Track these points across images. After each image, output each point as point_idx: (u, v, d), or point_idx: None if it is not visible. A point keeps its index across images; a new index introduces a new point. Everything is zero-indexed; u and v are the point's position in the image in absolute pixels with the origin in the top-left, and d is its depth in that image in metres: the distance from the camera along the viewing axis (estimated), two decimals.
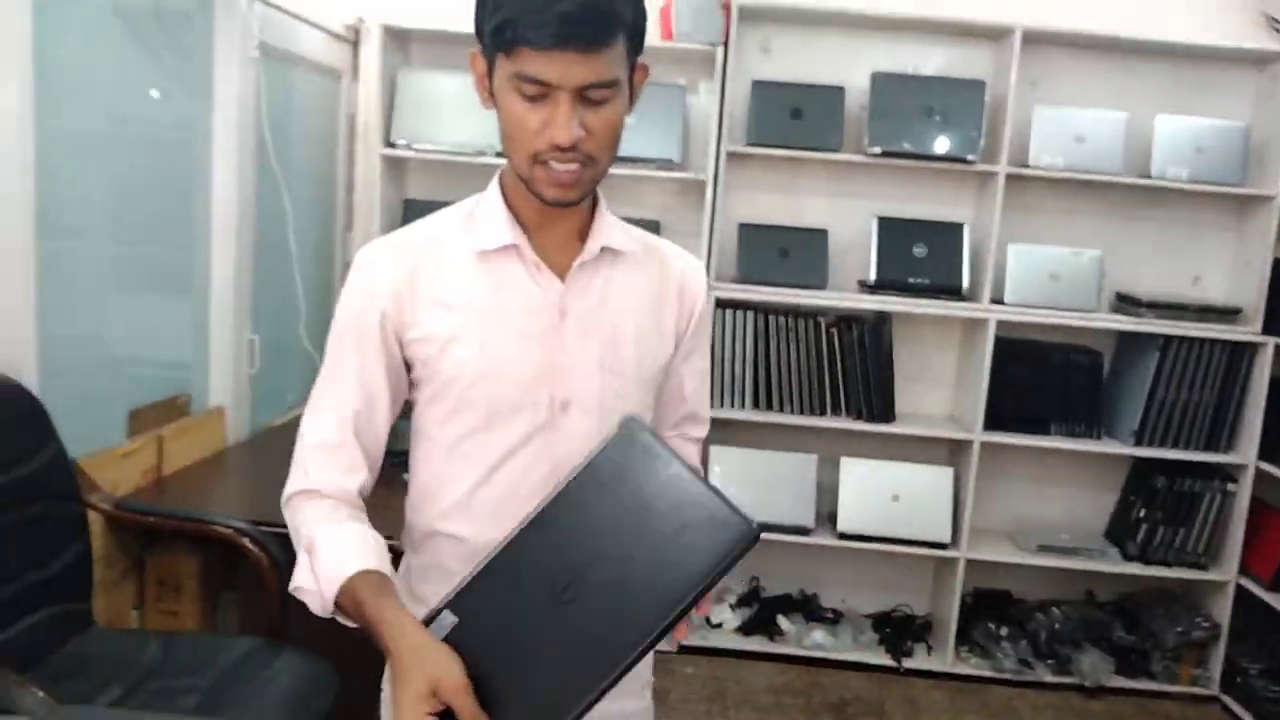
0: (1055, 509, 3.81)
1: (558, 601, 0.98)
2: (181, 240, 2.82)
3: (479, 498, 1.20)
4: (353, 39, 3.63)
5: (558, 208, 1.15)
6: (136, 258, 2.68)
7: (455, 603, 1.01)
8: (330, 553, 1.09)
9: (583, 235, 1.22)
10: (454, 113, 3.46)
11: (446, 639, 0.99)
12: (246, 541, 2.16)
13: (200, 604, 2.54)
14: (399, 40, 3.57)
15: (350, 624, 1.09)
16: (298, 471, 1.19)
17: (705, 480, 1.02)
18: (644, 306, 1.26)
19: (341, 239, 3.77)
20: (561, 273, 1.20)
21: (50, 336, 2.18)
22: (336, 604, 1.07)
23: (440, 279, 1.18)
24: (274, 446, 3.12)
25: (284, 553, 2.18)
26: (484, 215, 1.20)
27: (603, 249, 1.22)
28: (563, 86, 1.05)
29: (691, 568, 0.96)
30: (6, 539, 1.90)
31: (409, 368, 1.21)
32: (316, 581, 1.09)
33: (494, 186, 1.22)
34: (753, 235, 3.51)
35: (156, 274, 2.80)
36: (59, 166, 2.18)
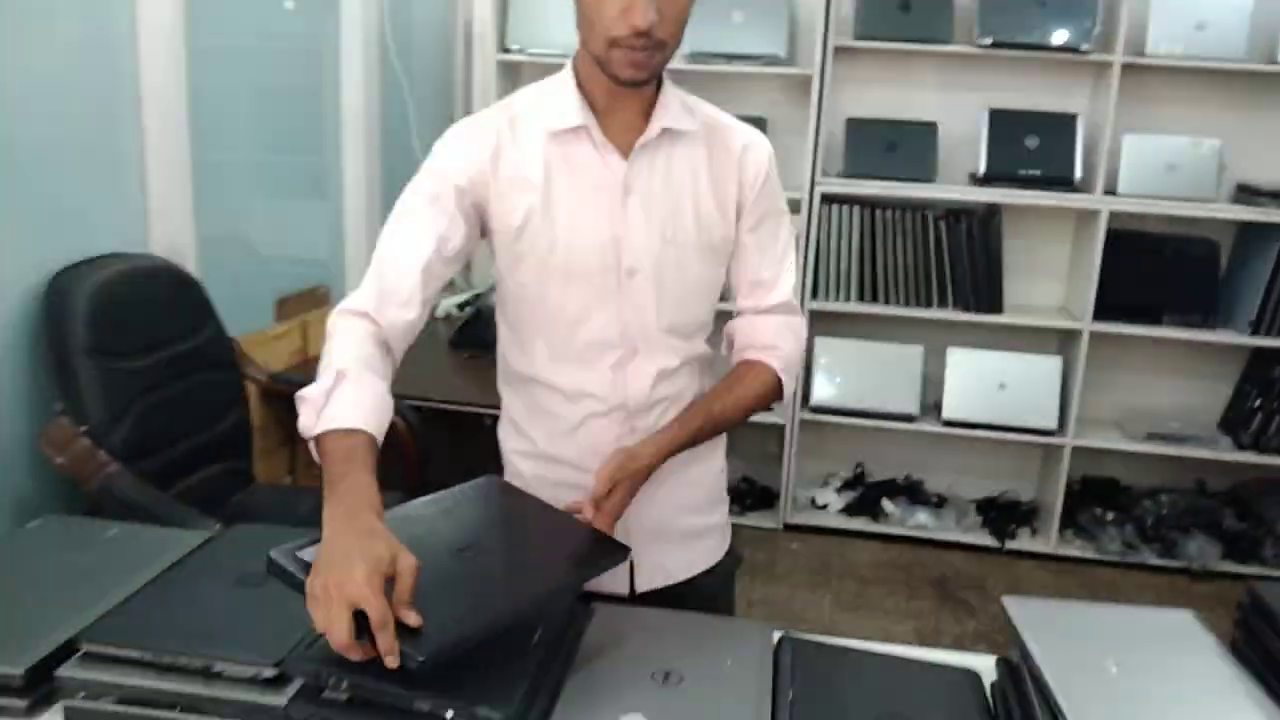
0: (1167, 399, 3.82)
1: (458, 556, 1.14)
2: (317, 145, 3.07)
3: (564, 351, 1.37)
4: None
5: (628, 88, 1.28)
6: (279, 163, 2.95)
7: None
8: (348, 393, 1.18)
9: (648, 116, 1.33)
10: (563, 17, 3.55)
11: None
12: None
13: None
14: None
15: (315, 459, 1.18)
16: (363, 292, 1.29)
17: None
18: (704, 182, 1.37)
19: None
20: (626, 152, 1.32)
21: (206, 233, 2.46)
22: (317, 438, 1.16)
23: (520, 159, 1.32)
24: None
25: (420, 421, 2.45)
26: (558, 98, 1.34)
27: (663, 130, 1.33)
28: None
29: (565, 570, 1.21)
30: (179, 403, 2.20)
31: (485, 234, 1.36)
32: (316, 410, 1.18)
33: (567, 71, 1.36)
34: (860, 130, 3.56)
35: (296, 177, 3.07)
36: (208, 79, 2.42)
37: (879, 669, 1.26)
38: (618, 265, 1.33)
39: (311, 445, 1.20)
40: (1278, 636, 1.16)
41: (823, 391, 3.73)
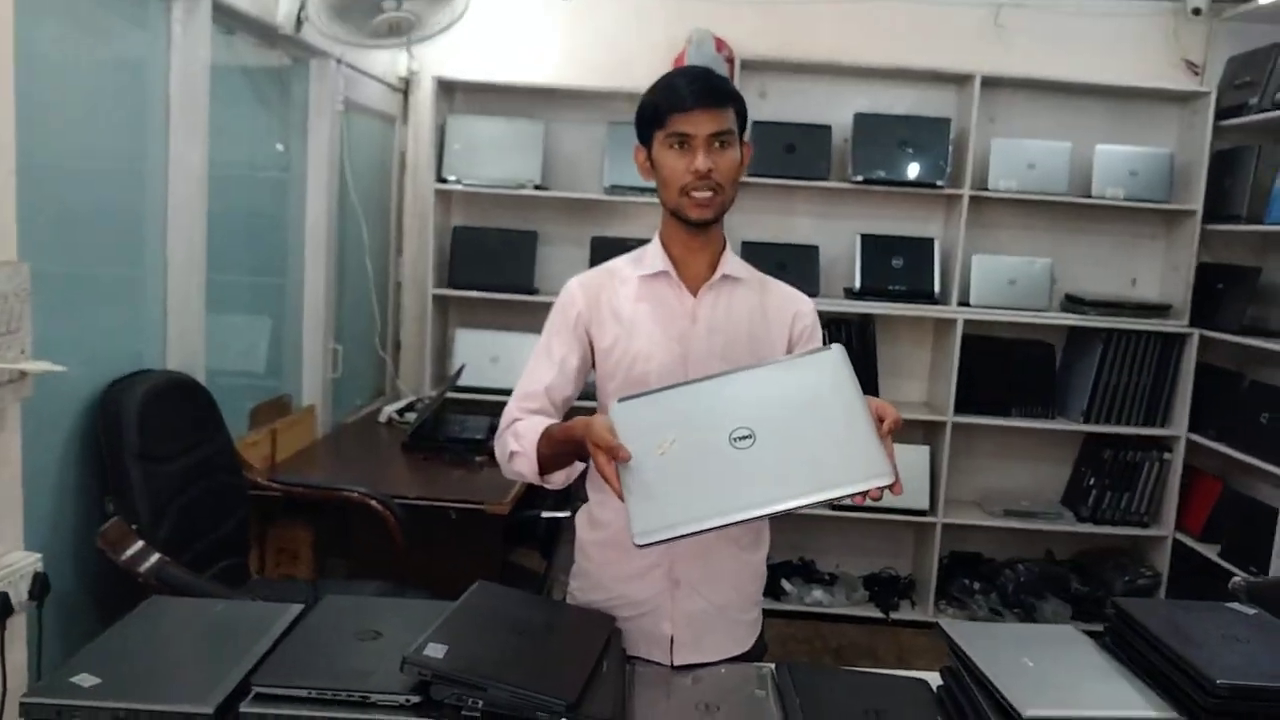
0: (1017, 480, 4.41)
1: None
2: (284, 266, 3.37)
3: None
4: (404, 89, 4.18)
5: (699, 229, 1.68)
6: (255, 284, 3.23)
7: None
8: (529, 425, 1.63)
9: (714, 268, 1.71)
10: (495, 152, 4.03)
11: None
12: (374, 502, 2.70)
13: (312, 568, 3.08)
14: (446, 89, 4.13)
15: (554, 467, 1.61)
16: (504, 419, 1.69)
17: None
18: (759, 321, 1.72)
19: (394, 262, 4.31)
20: (696, 292, 1.70)
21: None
22: (539, 453, 1.58)
23: (616, 297, 1.72)
24: (354, 438, 3.68)
25: (401, 510, 2.73)
26: (646, 252, 1.75)
27: (724, 275, 1.70)
28: (698, 134, 1.60)
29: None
30: (202, 503, 2.44)
31: (593, 355, 1.73)
32: (520, 443, 1.61)
33: (655, 236, 1.76)
34: (755, 250, 4.08)
35: (267, 296, 3.35)
36: (214, 208, 2.71)
37: (854, 682, 1.67)
38: (685, 377, 1.62)
39: (543, 465, 1.62)
40: (1136, 634, 1.60)
41: None
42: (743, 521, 1.31)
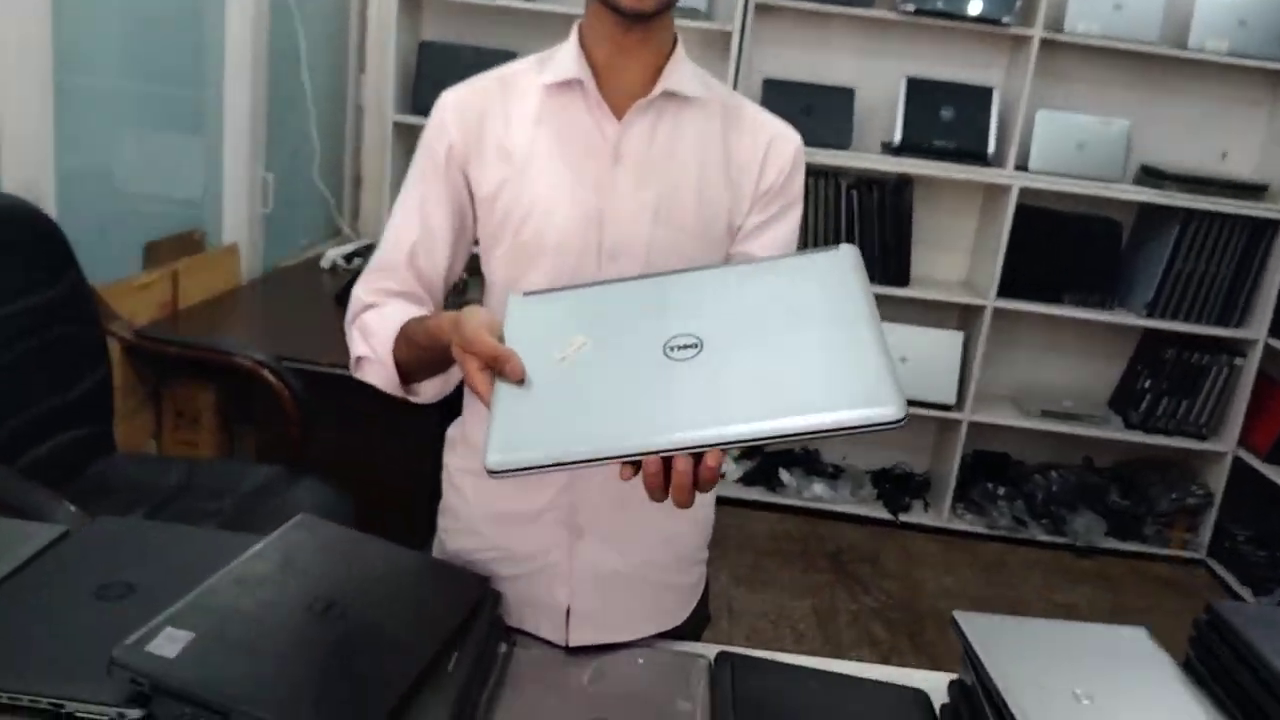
0: (1062, 377, 3.87)
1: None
2: (196, 76, 2.79)
3: None
4: None
5: (636, 22, 1.11)
6: (151, 94, 2.66)
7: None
8: (383, 319, 1.16)
9: (654, 82, 1.16)
10: None
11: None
12: (266, 373, 2.21)
13: (217, 435, 2.63)
14: None
15: (421, 375, 1.16)
16: (352, 306, 1.22)
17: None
18: (715, 164, 1.19)
19: (355, 82, 3.71)
20: (623, 115, 1.16)
21: (68, 168, 2.20)
22: (397, 359, 1.13)
23: (507, 121, 1.17)
24: (289, 285, 3.17)
25: (303, 385, 2.25)
26: (557, 54, 1.18)
27: (667, 92, 1.15)
28: None
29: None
30: (31, 362, 1.95)
31: (474, 209, 1.21)
32: (370, 343, 1.15)
33: (572, 32, 1.19)
34: (778, 91, 3.45)
35: (171, 110, 2.79)
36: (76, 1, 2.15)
37: (821, 688, 1.17)
38: (598, 246, 1.15)
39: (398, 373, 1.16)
40: (1234, 654, 1.10)
41: None
42: (659, 453, 0.83)
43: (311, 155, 3.36)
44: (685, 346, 0.90)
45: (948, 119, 3.49)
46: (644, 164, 1.16)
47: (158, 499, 2.04)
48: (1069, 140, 3.45)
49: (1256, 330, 3.51)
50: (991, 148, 3.48)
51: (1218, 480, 3.66)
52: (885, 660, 2.82)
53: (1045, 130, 3.45)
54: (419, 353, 1.10)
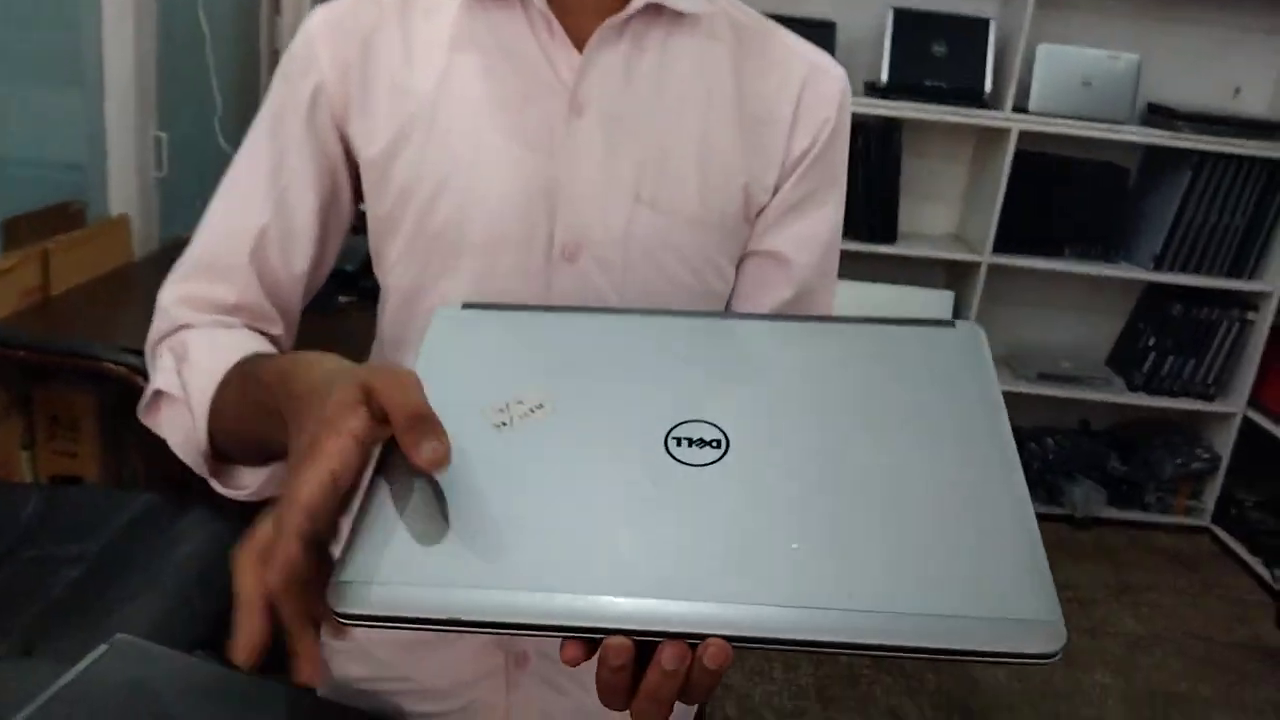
0: (1060, 336, 3.58)
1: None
2: (67, 18, 2.33)
3: None
4: None
5: None
6: (11, 40, 2.20)
7: None
8: (205, 347, 0.75)
9: None
10: None
11: None
12: (141, 380, 1.81)
13: (100, 444, 2.22)
14: None
15: (244, 447, 0.72)
16: (157, 322, 0.81)
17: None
18: (722, 109, 0.79)
19: (269, 24, 3.24)
20: (584, 43, 0.77)
21: None
22: (215, 407, 0.71)
23: (408, 49, 0.77)
24: None
25: None
26: None
27: (653, 5, 0.76)
28: None
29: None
30: None
31: (355, 177, 0.82)
32: (185, 375, 0.74)
33: None
34: None
35: (40, 60, 2.33)
36: None
37: None
38: (548, 239, 0.78)
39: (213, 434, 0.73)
40: None
41: None
42: (636, 633, 0.48)
43: (213, 110, 2.91)
44: (701, 442, 0.56)
45: (940, 55, 3.13)
46: (617, 115, 0.77)
47: (8, 539, 1.66)
48: (1073, 76, 3.11)
49: (1271, 282, 3.24)
50: (989, 86, 3.14)
51: (1224, 443, 3.41)
52: None
53: (1047, 65, 3.10)
54: (254, 412, 0.65)
